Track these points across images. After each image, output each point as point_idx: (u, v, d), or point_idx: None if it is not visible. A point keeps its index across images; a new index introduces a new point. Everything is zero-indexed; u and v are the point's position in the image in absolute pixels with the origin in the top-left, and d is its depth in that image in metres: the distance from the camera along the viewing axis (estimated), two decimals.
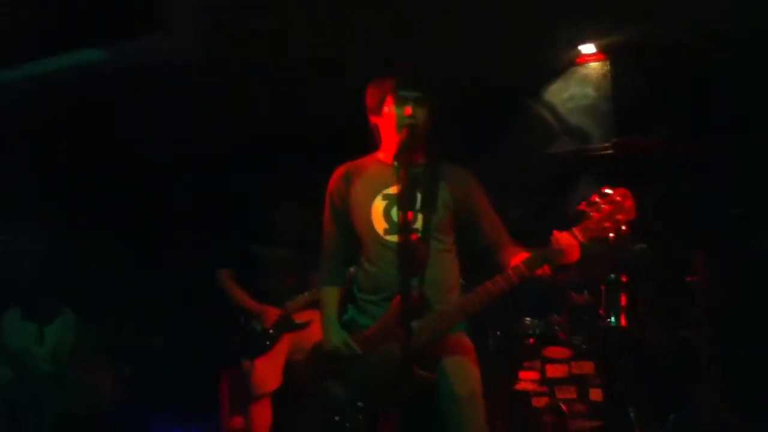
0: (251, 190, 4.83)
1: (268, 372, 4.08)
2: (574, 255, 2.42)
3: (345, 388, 2.61)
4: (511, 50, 4.78)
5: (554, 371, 3.92)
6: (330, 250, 2.80)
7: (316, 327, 3.85)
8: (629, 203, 2.37)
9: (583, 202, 2.46)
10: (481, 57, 4.84)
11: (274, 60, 4.68)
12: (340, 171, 2.78)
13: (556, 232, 2.45)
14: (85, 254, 5.93)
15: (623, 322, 4.14)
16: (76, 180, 6.23)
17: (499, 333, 4.34)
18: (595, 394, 3.84)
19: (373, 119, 2.74)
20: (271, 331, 4.08)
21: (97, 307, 5.49)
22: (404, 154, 2.54)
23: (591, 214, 2.40)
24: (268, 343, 4.07)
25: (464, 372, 2.57)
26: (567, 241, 2.42)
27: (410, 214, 2.52)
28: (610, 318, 4.18)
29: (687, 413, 3.66)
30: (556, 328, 4.15)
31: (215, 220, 5.45)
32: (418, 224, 2.58)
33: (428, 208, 2.59)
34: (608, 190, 2.40)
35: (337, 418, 2.59)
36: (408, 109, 2.60)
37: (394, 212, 2.59)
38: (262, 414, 4.10)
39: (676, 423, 3.64)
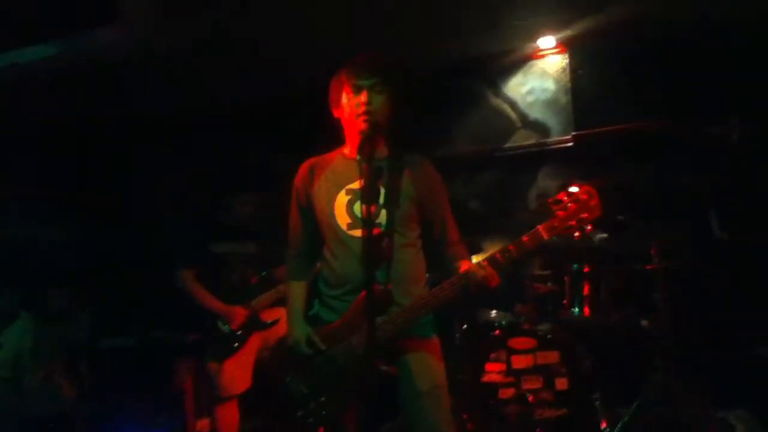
0: (212, 186, 4.76)
1: (236, 374, 4.00)
2: (493, 283, 2.48)
3: (308, 383, 2.61)
4: (471, 42, 4.82)
5: (520, 362, 3.94)
6: (295, 245, 2.80)
7: (283, 325, 3.85)
8: (594, 202, 2.43)
9: (550, 199, 2.48)
10: (441, 48, 4.87)
11: (228, 51, 4.64)
12: (304, 166, 2.77)
13: (470, 266, 2.51)
14: (41, 253, 5.79)
15: (587, 311, 4.20)
16: (32, 177, 6.08)
17: (465, 326, 4.36)
18: (561, 383, 3.88)
19: (335, 113, 2.71)
20: (238, 332, 4.01)
21: (56, 307, 5.36)
22: (366, 145, 2.51)
23: (557, 212, 2.43)
24: (236, 344, 3.99)
25: (427, 366, 2.59)
26: (486, 272, 2.46)
27: (374, 208, 2.51)
28: (573, 308, 4.24)
29: (647, 400, 3.72)
30: (521, 318, 4.18)
31: (175, 217, 5.36)
32: (382, 218, 2.57)
33: (391, 201, 2.59)
34: (574, 188, 2.43)
35: (300, 413, 2.57)
36: (363, 96, 2.56)
37: (358, 207, 2.59)
38: (229, 415, 4.03)
39: (638, 410, 3.70)
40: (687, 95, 4.45)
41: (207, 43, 4.43)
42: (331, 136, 2.77)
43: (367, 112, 2.57)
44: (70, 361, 5.20)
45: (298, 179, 2.76)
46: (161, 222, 5.64)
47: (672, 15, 4.43)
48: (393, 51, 4.50)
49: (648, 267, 3.97)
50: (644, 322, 4.06)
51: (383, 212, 2.57)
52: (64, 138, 5.91)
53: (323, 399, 2.57)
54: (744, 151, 4.25)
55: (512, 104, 5.10)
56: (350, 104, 2.61)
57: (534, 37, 4.83)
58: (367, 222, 2.38)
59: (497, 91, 5.14)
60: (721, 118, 4.30)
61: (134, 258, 5.72)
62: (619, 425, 3.69)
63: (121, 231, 5.88)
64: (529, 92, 5.06)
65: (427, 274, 2.81)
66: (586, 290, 4.22)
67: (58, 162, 6.04)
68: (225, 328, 4.00)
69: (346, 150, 2.74)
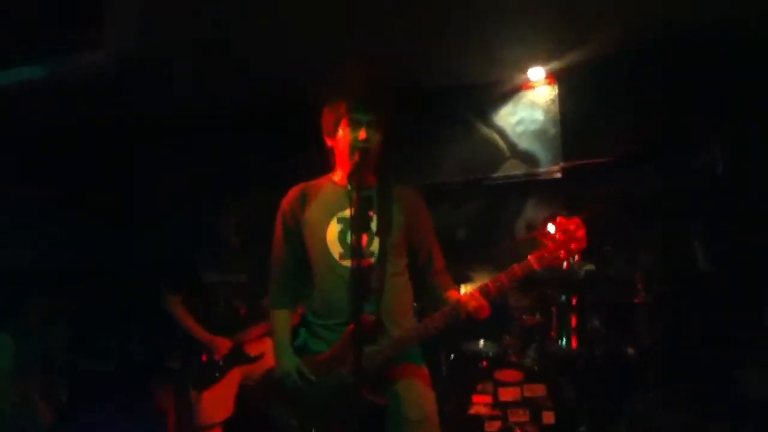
0: (202, 214, 4.73)
1: (217, 403, 3.92)
2: (484, 314, 2.47)
3: (297, 414, 2.56)
4: (462, 72, 4.85)
5: (507, 394, 3.91)
6: (280, 273, 2.75)
7: (269, 359, 3.80)
8: (581, 233, 2.45)
9: (538, 230, 2.50)
10: (431, 77, 4.90)
11: (213, 76, 4.64)
12: (294, 191, 2.73)
13: (462, 296, 2.50)
14: (19, 262, 5.67)
15: (574, 343, 4.18)
16: (17, 196, 6.00)
17: (452, 356, 4.32)
18: (548, 417, 3.84)
19: (329, 141, 2.70)
20: (221, 363, 3.94)
21: (35, 319, 5.25)
22: (357, 174, 2.52)
23: (546, 243, 2.45)
24: (217, 375, 3.92)
25: (418, 395, 2.54)
26: (477, 303, 2.45)
27: (365, 237, 2.50)
28: (561, 339, 4.22)
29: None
30: (509, 350, 4.15)
31: (165, 243, 5.30)
32: (374, 247, 2.55)
33: (382, 230, 2.57)
34: (562, 220, 2.44)
35: None
36: (362, 133, 2.57)
37: (350, 236, 2.55)
38: None
39: None
40: (674, 126, 4.48)
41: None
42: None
43: (364, 148, 2.56)
44: (47, 381, 5.09)
45: (287, 205, 2.72)
46: (151, 239, 5.55)
47: (660, 47, 4.48)
48: (383, 80, 4.61)
49: (633, 299, 3.98)
50: (631, 351, 4.05)
51: (375, 241, 2.55)
52: (44, 145, 5.83)
53: (312, 430, 2.52)
54: (729, 182, 4.28)
55: (502, 134, 5.12)
56: (347, 137, 2.59)
57: (524, 68, 4.87)
58: (357, 251, 2.36)
59: (487, 121, 5.16)
60: (707, 148, 4.35)
61: (119, 269, 5.61)
62: None
63: (108, 240, 5.77)
64: (519, 122, 5.09)
65: (414, 304, 2.79)
66: (573, 322, 4.20)
67: (39, 169, 5.96)
68: (207, 358, 3.94)
69: (336, 177, 2.72)
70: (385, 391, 2.49)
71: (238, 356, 3.97)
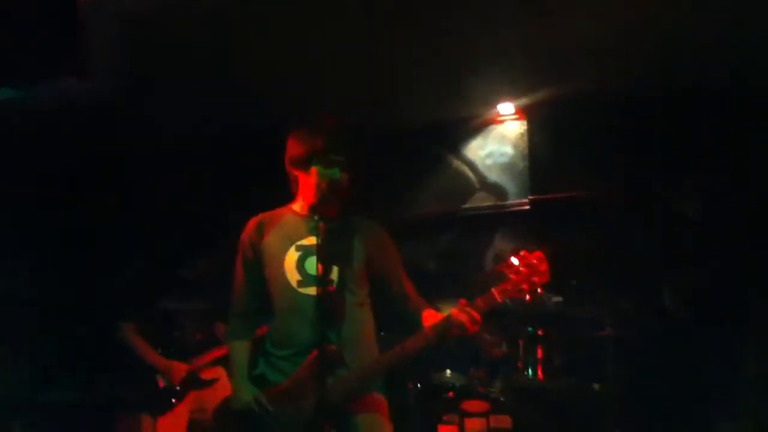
0: (159, 239, 4.70)
1: (173, 429, 3.90)
2: (473, 328, 2.47)
3: None
4: (432, 106, 4.93)
5: (473, 425, 3.92)
6: (240, 303, 2.74)
7: (220, 385, 3.79)
8: (544, 267, 2.48)
9: (502, 264, 2.53)
10: (402, 112, 4.97)
11: (192, 103, 4.68)
12: (253, 221, 2.74)
13: (453, 310, 2.50)
14: None
15: (540, 375, 4.21)
16: None
17: (419, 385, 4.33)
18: None
19: (295, 171, 2.71)
20: (177, 388, 3.92)
21: None
22: (321, 207, 2.55)
23: (509, 276, 2.49)
24: (173, 400, 3.91)
25: (377, 429, 2.55)
26: (468, 316, 2.45)
27: (325, 267, 2.50)
28: (527, 371, 4.25)
29: None
30: (475, 381, 4.17)
31: (119, 270, 5.25)
32: (334, 276, 2.56)
33: (343, 261, 2.59)
34: (525, 254, 2.48)
35: None
36: (335, 173, 2.60)
37: (308, 264, 2.58)
38: None
39: None
40: (642, 164, 4.58)
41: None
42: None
43: (336, 185, 2.61)
44: (2, 420, 4.98)
45: (246, 234, 2.73)
46: (104, 272, 5.48)
47: (629, 86, 4.60)
48: (355, 114, 4.69)
49: (600, 333, 4.03)
50: (596, 386, 4.09)
51: (335, 270, 2.57)
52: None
53: None
54: (701, 226, 4.36)
55: (471, 167, 5.19)
56: (320, 173, 2.61)
57: (494, 102, 4.95)
58: (322, 279, 2.38)
59: (457, 154, 5.23)
60: (679, 190, 4.43)
61: (75, 307, 5.53)
62: None
63: (64, 279, 5.69)
64: (488, 156, 5.16)
65: (382, 333, 2.80)
66: (539, 354, 4.24)
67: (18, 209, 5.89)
68: (165, 383, 3.91)
69: (297, 207, 2.74)
70: (343, 422, 2.49)
71: (194, 380, 3.95)
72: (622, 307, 4.17)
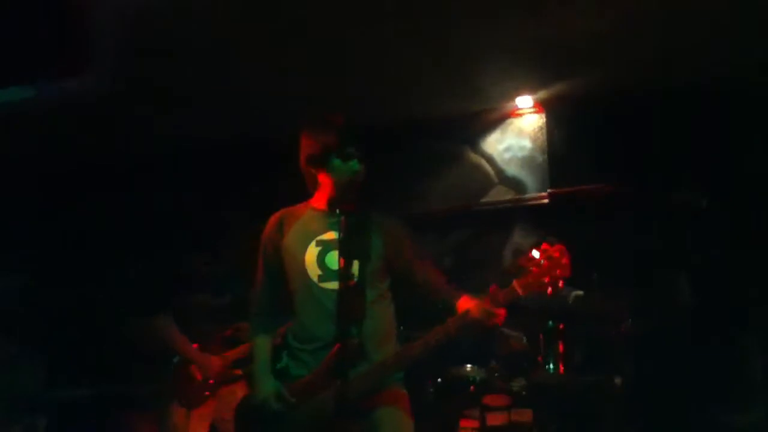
0: (187, 235, 4.73)
1: (202, 422, 3.95)
2: (498, 319, 2.48)
3: None
4: (450, 100, 4.92)
5: (494, 419, 3.92)
6: (261, 299, 2.78)
7: (240, 387, 3.81)
8: (566, 260, 2.47)
9: (523, 257, 2.52)
10: (420, 106, 4.97)
11: (197, 102, 4.70)
12: (274, 218, 2.77)
13: (470, 305, 2.51)
14: None
15: (561, 369, 4.19)
16: None
17: (439, 380, 4.33)
18: None
19: (312, 170, 2.73)
20: (211, 381, 3.95)
21: (10, 353, 5.21)
22: (341, 202, 2.58)
23: (530, 269, 2.48)
24: (207, 393, 3.94)
25: (398, 423, 2.56)
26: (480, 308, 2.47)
27: (345, 261, 2.52)
28: (548, 365, 4.23)
29: None
30: (496, 375, 4.16)
31: (148, 264, 5.29)
32: (354, 270, 2.56)
33: (363, 255, 2.59)
34: (546, 247, 2.46)
35: None
36: (353, 165, 2.64)
37: (329, 259, 2.60)
38: None
39: None
40: (661, 159, 4.54)
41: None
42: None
43: (356, 178, 2.64)
44: (26, 417, 5.03)
45: (267, 232, 2.76)
46: (122, 269, 5.52)
47: (647, 80, 4.56)
48: (375, 109, 4.71)
49: (621, 327, 4.00)
50: (617, 381, 4.06)
51: (355, 264, 2.58)
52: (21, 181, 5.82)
53: None
54: (712, 217, 4.32)
55: (490, 160, 5.17)
56: (337, 167, 2.65)
57: (512, 96, 4.93)
58: (343, 273, 2.39)
59: (475, 148, 5.21)
60: (691, 185, 4.40)
61: (95, 302, 5.58)
62: None
63: (88, 275, 5.74)
64: (507, 149, 5.14)
65: (401, 327, 2.81)
66: (560, 348, 4.22)
67: (26, 205, 5.95)
68: (201, 376, 3.94)
69: (316, 203, 2.76)
70: (364, 416, 2.50)
71: (227, 374, 3.98)
72: (643, 301, 4.15)
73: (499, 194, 5.12)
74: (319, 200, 2.74)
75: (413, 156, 5.24)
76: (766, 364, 3.92)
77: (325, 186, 2.71)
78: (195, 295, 4.08)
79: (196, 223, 4.97)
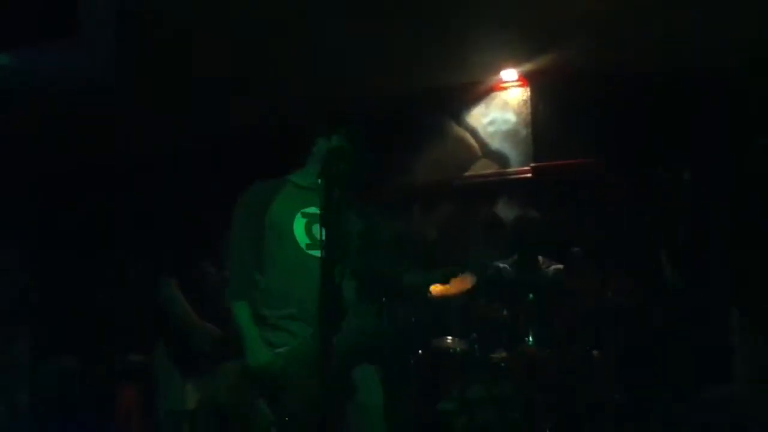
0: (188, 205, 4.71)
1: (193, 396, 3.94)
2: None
3: (274, 407, 2.56)
4: (436, 73, 4.89)
5: (474, 391, 3.94)
6: (240, 264, 2.75)
7: None
8: None
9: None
10: (405, 79, 4.94)
11: (183, 74, 4.64)
12: (256, 186, 2.79)
13: None
14: None
15: (541, 343, 4.22)
16: None
17: (420, 352, 4.35)
18: (515, 415, 3.89)
19: (302, 147, 2.78)
20: (209, 352, 3.90)
21: None
22: (324, 178, 2.58)
23: None
24: (210, 363, 3.90)
25: (376, 381, 2.63)
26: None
27: (328, 233, 2.55)
28: (527, 338, 4.26)
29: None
30: (477, 347, 4.19)
31: (150, 234, 5.26)
32: (335, 243, 2.59)
33: (343, 229, 2.62)
34: None
35: None
36: (339, 147, 2.63)
37: (316, 230, 2.63)
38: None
39: None
40: (643, 136, 4.56)
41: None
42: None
43: (340, 155, 2.57)
44: (4, 388, 4.99)
45: (249, 198, 2.77)
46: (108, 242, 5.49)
47: (631, 58, 4.56)
48: (360, 82, 4.68)
49: (600, 302, 4.04)
50: (596, 354, 4.11)
51: (336, 237, 2.59)
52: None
53: (290, 423, 2.54)
54: (696, 195, 4.34)
55: (474, 134, 5.16)
56: (322, 147, 2.69)
57: (496, 69, 4.91)
58: (324, 245, 2.41)
59: (460, 121, 5.20)
60: (674, 161, 4.42)
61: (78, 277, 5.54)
62: None
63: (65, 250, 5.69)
64: (491, 123, 5.13)
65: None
66: (539, 322, 4.25)
67: (13, 176, 5.87)
68: (204, 346, 3.91)
69: (298, 178, 2.80)
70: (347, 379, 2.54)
71: (224, 348, 3.96)
72: (621, 278, 4.18)
73: (483, 167, 5.11)
74: (302, 176, 2.79)
75: (398, 129, 5.22)
76: (746, 338, 3.95)
77: (310, 162, 2.77)
78: (203, 265, 4.05)
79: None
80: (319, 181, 2.61)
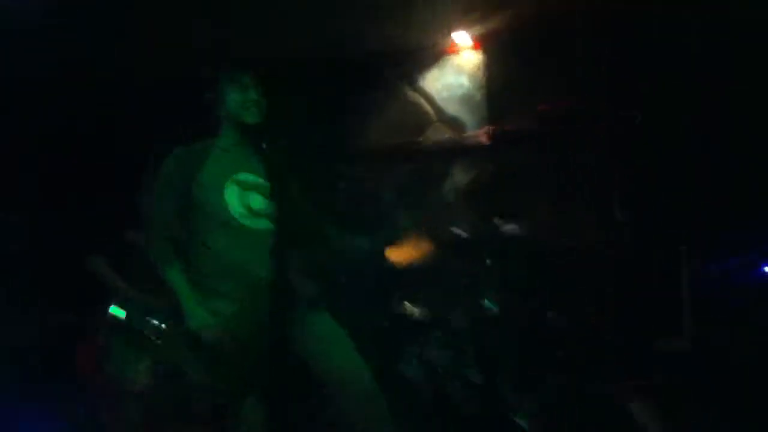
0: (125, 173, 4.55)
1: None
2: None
3: (214, 370, 2.54)
4: (387, 36, 4.82)
5: (434, 356, 3.96)
6: (163, 229, 2.67)
7: None
8: None
9: None
10: (356, 41, 4.86)
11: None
12: (177, 152, 2.71)
13: None
14: None
15: (499, 305, 4.25)
16: None
17: (379, 317, 4.34)
18: (474, 379, 3.92)
19: (215, 107, 2.73)
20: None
21: None
22: (251, 139, 2.62)
23: None
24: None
25: (324, 316, 2.65)
26: None
27: (265, 199, 2.60)
28: (486, 300, 4.28)
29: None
30: (437, 311, 4.20)
31: (82, 205, 5.09)
32: (274, 210, 2.59)
33: (279, 194, 2.60)
34: None
35: (207, 402, 2.57)
36: (250, 94, 2.64)
37: (250, 197, 2.62)
38: None
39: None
40: (599, 89, 4.54)
41: None
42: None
43: (258, 110, 2.66)
44: None
45: (170, 166, 2.69)
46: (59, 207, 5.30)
47: (580, 8, 4.53)
48: (307, 42, 4.58)
49: (558, 261, 4.08)
50: (551, 315, 4.16)
51: (275, 202, 2.61)
52: None
53: (231, 384, 2.54)
54: (647, 136, 4.36)
55: (428, 98, 5.13)
56: (235, 100, 2.66)
57: (448, 32, 4.86)
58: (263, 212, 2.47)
59: (413, 86, 5.16)
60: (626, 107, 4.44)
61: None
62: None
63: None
64: (445, 87, 5.10)
65: None
66: (497, 282, 4.27)
67: None
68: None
69: (223, 143, 2.73)
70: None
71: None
72: (575, 226, 4.22)
73: (437, 132, 5.09)
74: (226, 140, 2.73)
75: (350, 93, 5.15)
76: (698, 289, 4.02)
77: (227, 123, 2.72)
78: (128, 236, 3.97)
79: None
80: (264, 146, 2.58)
